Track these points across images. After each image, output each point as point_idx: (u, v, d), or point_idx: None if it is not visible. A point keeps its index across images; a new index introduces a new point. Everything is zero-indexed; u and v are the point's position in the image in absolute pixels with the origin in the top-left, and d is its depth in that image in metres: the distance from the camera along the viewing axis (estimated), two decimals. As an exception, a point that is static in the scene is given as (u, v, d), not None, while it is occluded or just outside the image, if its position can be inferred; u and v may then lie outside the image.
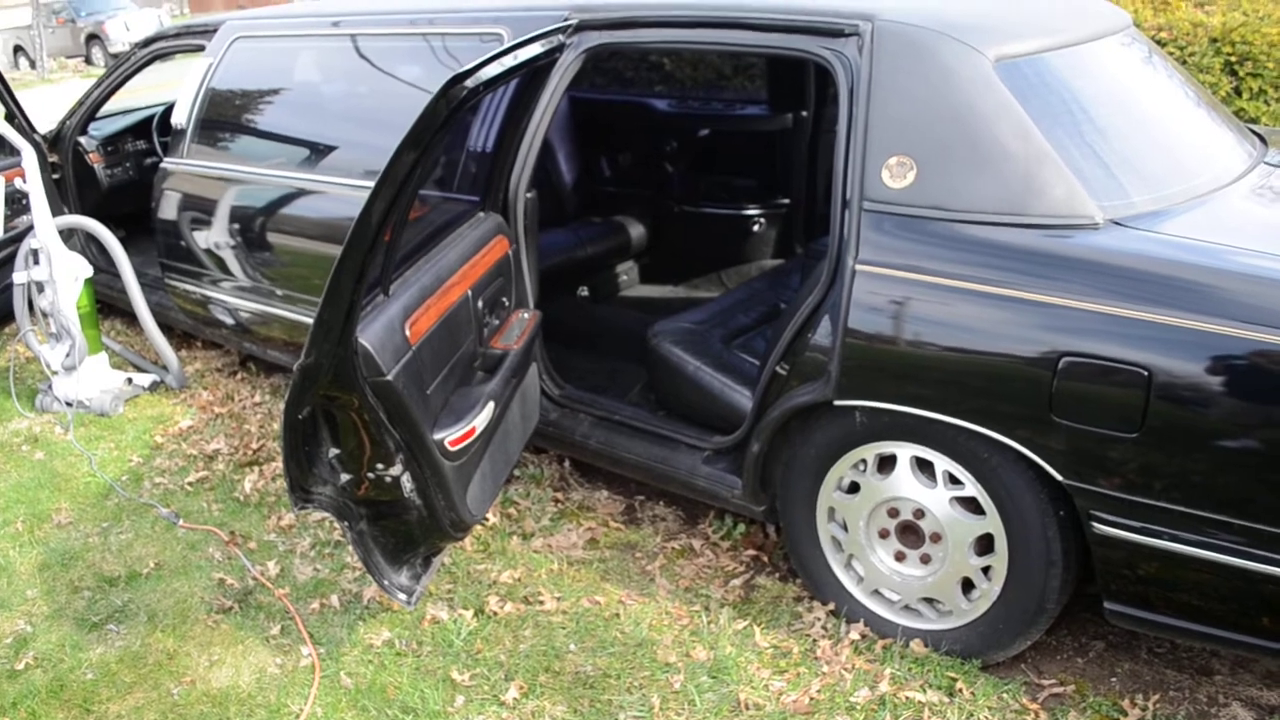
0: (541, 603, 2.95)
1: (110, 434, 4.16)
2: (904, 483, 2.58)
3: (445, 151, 3.21)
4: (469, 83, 2.16)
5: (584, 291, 4.67)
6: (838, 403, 2.55)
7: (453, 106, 2.12)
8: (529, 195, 3.23)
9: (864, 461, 2.64)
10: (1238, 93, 5.03)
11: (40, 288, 4.31)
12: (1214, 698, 2.50)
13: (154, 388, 4.54)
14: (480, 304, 2.82)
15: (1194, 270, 2.16)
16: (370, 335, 2.27)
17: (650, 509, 3.43)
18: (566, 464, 3.65)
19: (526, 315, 3.11)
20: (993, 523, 2.47)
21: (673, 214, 4.80)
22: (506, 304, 3.06)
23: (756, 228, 4.64)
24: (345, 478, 2.42)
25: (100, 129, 5.27)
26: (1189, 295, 2.13)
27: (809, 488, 2.75)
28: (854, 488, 2.69)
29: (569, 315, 4.41)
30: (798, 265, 3.93)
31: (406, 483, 2.44)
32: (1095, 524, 2.29)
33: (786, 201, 4.61)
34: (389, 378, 2.28)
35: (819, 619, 2.81)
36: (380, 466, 2.40)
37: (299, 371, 2.17)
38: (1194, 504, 2.16)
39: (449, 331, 2.61)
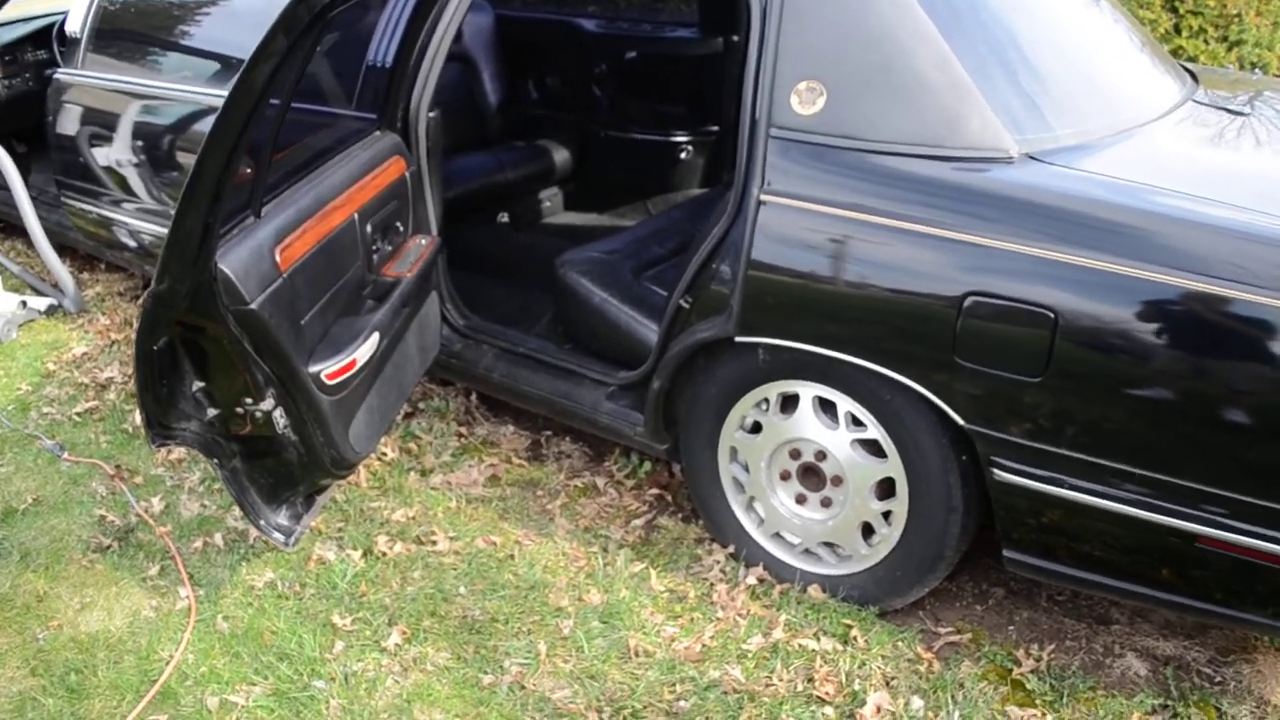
0: (434, 543, 2.83)
1: (1, 360, 3.95)
2: (806, 423, 2.47)
3: (341, 64, 3.03)
4: None
5: (504, 218, 4.49)
6: (739, 339, 2.43)
7: (315, 11, 1.94)
8: (432, 114, 3.04)
9: (766, 400, 2.53)
10: (1177, 30, 4.92)
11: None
12: (1109, 648, 2.44)
13: (51, 312, 4.33)
14: (369, 228, 2.65)
15: (1106, 209, 2.05)
16: (233, 261, 2.10)
17: (556, 445, 3.31)
18: (473, 397, 3.52)
19: (424, 241, 2.94)
20: (894, 466, 2.38)
21: (599, 139, 4.62)
22: (401, 229, 2.89)
23: (684, 155, 4.48)
24: (212, 412, 2.26)
25: (-3, 37, 4.96)
26: (1099, 235, 2.02)
27: (711, 426, 2.64)
28: (756, 427, 2.59)
29: (488, 242, 4.25)
30: (719, 195, 3.78)
31: (279, 419, 2.29)
32: (996, 470, 2.20)
33: (716, 129, 4.45)
34: (253, 306, 2.12)
35: (718, 562, 2.72)
36: (249, 401, 2.25)
37: (150, 298, 2.00)
38: (1097, 453, 2.07)
39: (329, 257, 2.45)
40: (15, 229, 4.96)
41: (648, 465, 3.13)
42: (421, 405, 3.48)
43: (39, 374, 3.84)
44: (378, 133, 2.95)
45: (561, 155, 4.60)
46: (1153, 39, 2.98)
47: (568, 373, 3.01)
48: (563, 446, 3.30)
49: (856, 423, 2.41)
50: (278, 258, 2.23)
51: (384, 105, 2.99)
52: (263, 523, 2.45)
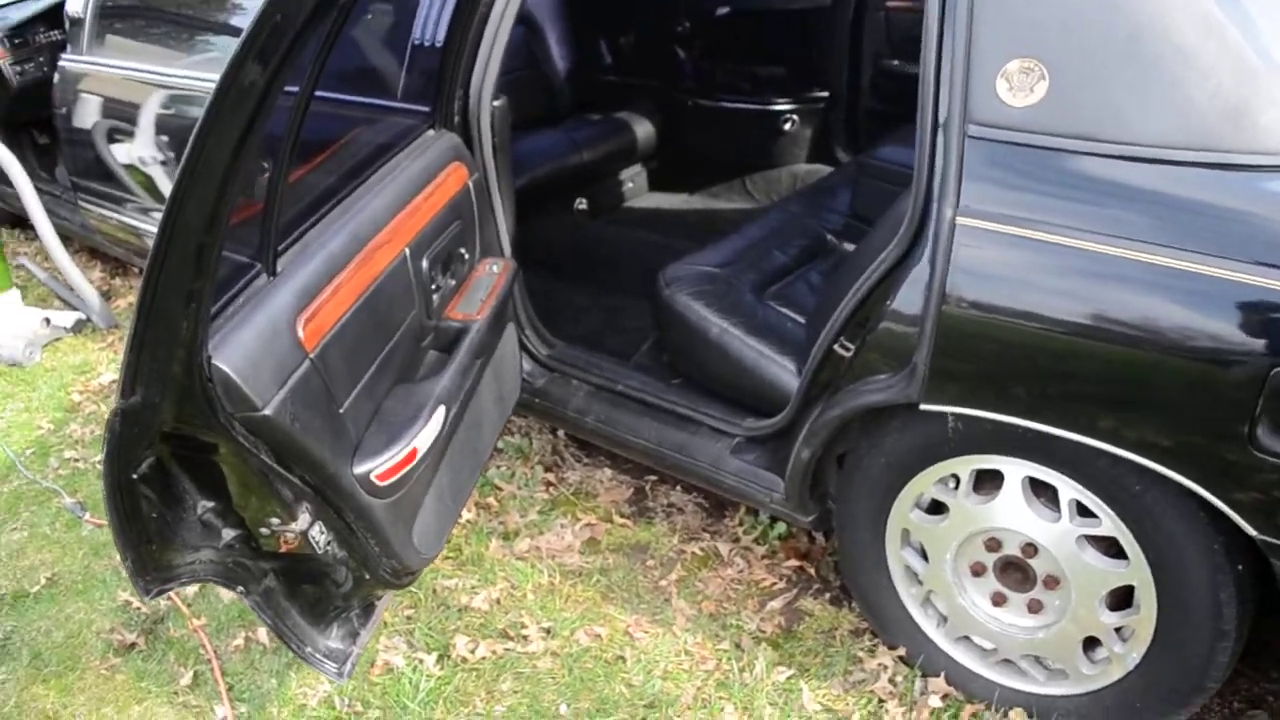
0: (525, 638, 2.30)
1: (21, 389, 3.48)
2: (1011, 510, 1.88)
3: (378, 42, 2.45)
4: None
5: (581, 204, 3.91)
6: (925, 407, 1.83)
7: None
8: (497, 103, 2.45)
9: (955, 477, 1.94)
10: None
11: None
12: None
13: (79, 328, 3.84)
14: (426, 264, 2.07)
15: None
16: (234, 352, 1.52)
17: (665, 496, 2.75)
18: (561, 434, 2.96)
19: (495, 268, 2.37)
20: (1138, 573, 1.77)
21: (686, 109, 4.01)
22: (466, 256, 2.31)
23: (788, 126, 3.85)
24: (230, 534, 1.71)
25: (5, 18, 4.44)
26: None
27: (877, 503, 2.05)
28: (938, 508, 2.00)
29: (563, 235, 3.68)
30: (844, 180, 3.15)
31: (319, 536, 1.75)
32: (1300, 595, 1.60)
33: (824, 95, 3.80)
34: (267, 413, 1.55)
35: (885, 667, 2.16)
36: (276, 522, 1.70)
37: (117, 417, 1.43)
38: None
39: (374, 314, 1.87)
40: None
41: (781, 527, 2.55)
42: (500, 444, 2.93)
43: (62, 407, 3.36)
44: (430, 132, 2.36)
45: (644, 129, 4.00)
46: None
47: (680, 419, 2.44)
48: (673, 498, 2.73)
49: (1084, 512, 1.81)
50: (301, 332, 1.65)
51: (436, 96, 2.40)
52: (309, 650, 1.90)
